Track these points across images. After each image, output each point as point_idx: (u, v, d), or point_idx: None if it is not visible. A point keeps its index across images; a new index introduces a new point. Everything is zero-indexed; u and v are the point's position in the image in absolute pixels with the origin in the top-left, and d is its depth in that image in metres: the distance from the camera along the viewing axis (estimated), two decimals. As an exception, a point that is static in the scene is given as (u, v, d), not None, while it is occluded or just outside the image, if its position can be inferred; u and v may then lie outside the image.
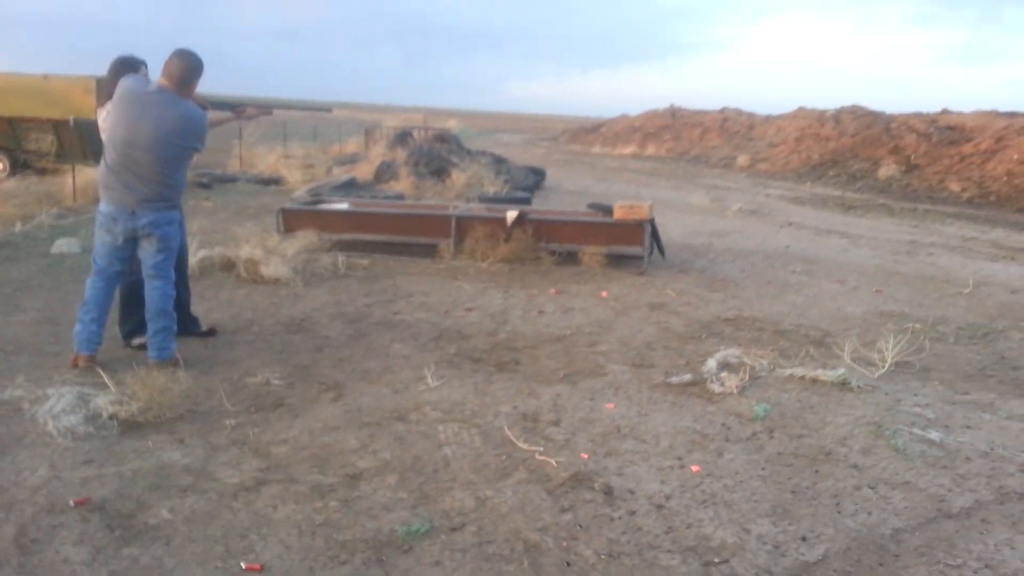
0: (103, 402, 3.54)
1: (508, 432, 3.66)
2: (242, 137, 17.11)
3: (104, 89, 4.52)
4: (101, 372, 3.96)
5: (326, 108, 9.31)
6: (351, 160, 16.76)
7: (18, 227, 8.18)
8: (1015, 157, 19.21)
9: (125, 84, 4.09)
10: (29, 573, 2.41)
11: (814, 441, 3.76)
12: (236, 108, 4.80)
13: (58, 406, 3.46)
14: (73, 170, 10.78)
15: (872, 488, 3.31)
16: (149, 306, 4.28)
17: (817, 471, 3.44)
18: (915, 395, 4.48)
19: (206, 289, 6.11)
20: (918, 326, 6.03)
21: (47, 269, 6.69)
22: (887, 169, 20.99)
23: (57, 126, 12.61)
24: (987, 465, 3.61)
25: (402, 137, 17.13)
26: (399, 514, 2.90)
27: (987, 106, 25.87)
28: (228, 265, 6.79)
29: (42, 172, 12.36)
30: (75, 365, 4.20)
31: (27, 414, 3.51)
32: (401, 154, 14.54)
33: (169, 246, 4.32)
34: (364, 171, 14.22)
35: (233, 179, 14.29)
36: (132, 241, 4.25)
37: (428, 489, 3.11)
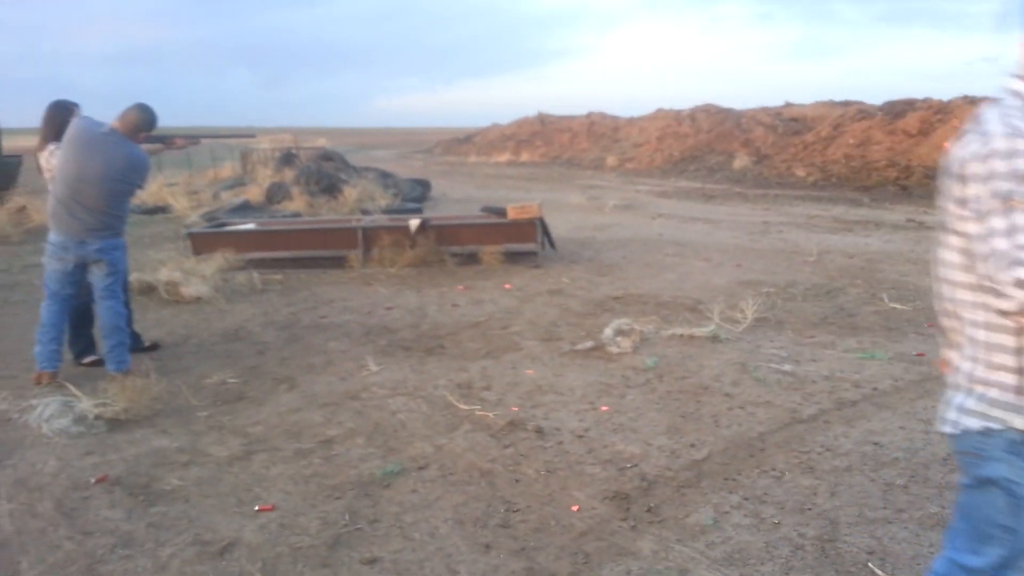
0: (87, 405, 3.96)
1: (449, 397, 4.34)
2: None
3: (43, 131, 4.89)
4: (68, 385, 4.34)
5: (249, 134, 9.63)
6: (237, 183, 16.84)
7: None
8: (851, 142, 21.47)
9: (78, 125, 4.49)
10: (79, 530, 2.90)
11: (695, 380, 4.64)
12: (166, 140, 5.24)
13: (46, 412, 3.87)
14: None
15: (741, 408, 4.20)
16: (103, 324, 4.68)
17: (699, 401, 4.31)
18: (771, 341, 5.47)
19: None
20: (772, 290, 7.12)
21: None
22: (741, 160, 22.94)
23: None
24: (828, 385, 4.58)
25: (287, 158, 17.35)
26: (373, 463, 3.53)
27: (825, 97, 28.61)
28: (147, 289, 7.08)
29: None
30: (38, 382, 4.54)
31: (18, 422, 3.90)
32: (289, 175, 14.83)
33: (117, 269, 4.73)
34: (254, 193, 14.40)
35: (117, 210, 14.15)
36: (81, 267, 4.64)
37: (392, 444, 3.75)
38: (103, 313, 4.69)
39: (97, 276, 4.66)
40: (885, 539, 2.87)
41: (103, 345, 4.73)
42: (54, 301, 4.66)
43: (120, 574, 2.63)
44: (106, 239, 4.61)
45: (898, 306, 6.48)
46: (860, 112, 22.98)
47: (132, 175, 4.58)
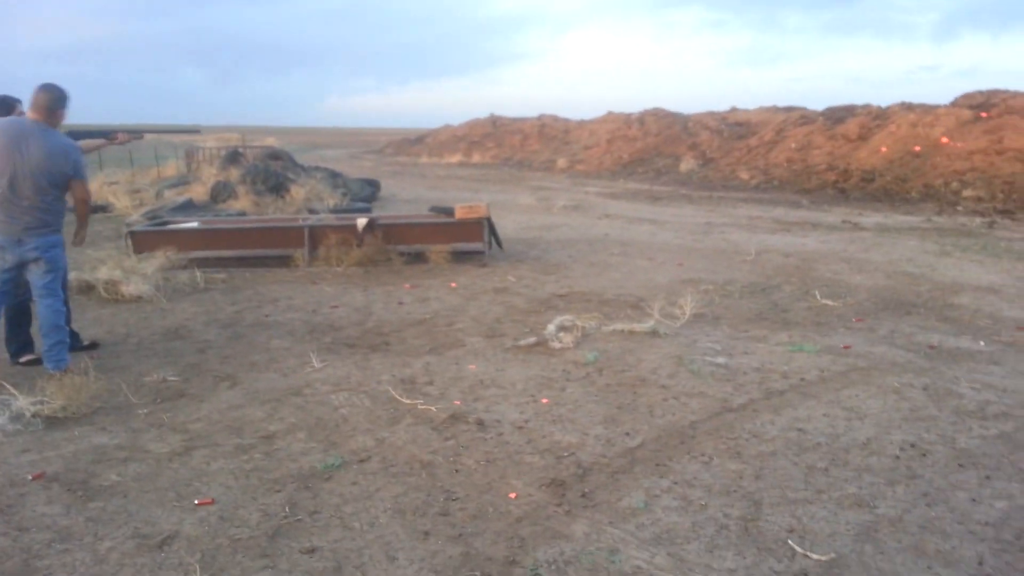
0: (24, 403, 3.92)
1: (392, 392, 4.40)
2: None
3: None
4: (4, 384, 4.27)
5: (194, 130, 9.50)
6: (181, 182, 16.55)
7: None
8: (792, 146, 22.05)
9: (5, 123, 4.43)
10: (15, 526, 2.89)
11: (633, 373, 4.78)
12: (108, 134, 5.19)
13: (-21, 411, 3.80)
14: None
15: (676, 399, 4.35)
16: (42, 323, 4.62)
17: (636, 393, 4.44)
18: (708, 335, 5.65)
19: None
20: (711, 287, 7.34)
21: None
22: (687, 163, 23.39)
23: None
24: (758, 376, 4.77)
25: (233, 157, 17.12)
26: (315, 456, 3.58)
27: (769, 103, 29.36)
28: (86, 288, 6.97)
29: None
30: (-29, 381, 4.46)
31: (-50, 422, 3.83)
32: (235, 173, 14.65)
33: (56, 267, 4.67)
34: (198, 192, 14.18)
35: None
36: (19, 266, 4.57)
37: (334, 438, 3.79)
38: (42, 311, 4.62)
39: (36, 274, 4.60)
40: (805, 518, 3.03)
41: (41, 344, 4.67)
42: (-11, 300, 4.59)
43: (58, 568, 2.64)
44: (43, 236, 4.56)
45: (829, 302, 6.73)
46: (802, 117, 23.62)
47: (63, 165, 4.52)
